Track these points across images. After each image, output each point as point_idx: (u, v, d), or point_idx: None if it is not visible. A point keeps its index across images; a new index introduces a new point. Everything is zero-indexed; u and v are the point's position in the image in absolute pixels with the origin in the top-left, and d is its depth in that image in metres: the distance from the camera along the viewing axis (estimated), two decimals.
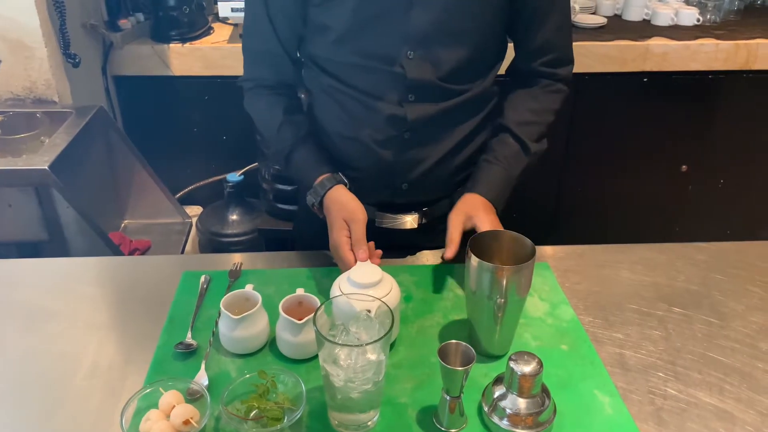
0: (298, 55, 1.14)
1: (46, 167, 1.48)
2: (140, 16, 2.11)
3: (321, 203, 1.06)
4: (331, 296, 0.89)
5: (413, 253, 1.16)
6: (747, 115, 2.18)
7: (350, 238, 0.99)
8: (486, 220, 1.01)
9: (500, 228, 0.99)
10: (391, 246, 1.08)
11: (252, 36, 1.12)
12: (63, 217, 1.56)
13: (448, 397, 0.79)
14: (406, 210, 1.16)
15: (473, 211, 1.03)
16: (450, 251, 1.00)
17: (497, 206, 1.07)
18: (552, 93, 1.13)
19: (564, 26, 1.11)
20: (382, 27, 1.01)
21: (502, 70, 1.14)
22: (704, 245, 1.20)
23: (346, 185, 1.07)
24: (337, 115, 1.11)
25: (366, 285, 0.89)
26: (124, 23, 2.02)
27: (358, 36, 1.03)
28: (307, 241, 1.24)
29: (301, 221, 1.35)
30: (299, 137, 1.11)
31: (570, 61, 1.14)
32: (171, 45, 2.02)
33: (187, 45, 2.04)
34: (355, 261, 0.96)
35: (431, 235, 1.16)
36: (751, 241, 1.21)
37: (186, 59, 2.05)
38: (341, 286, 0.90)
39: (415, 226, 1.16)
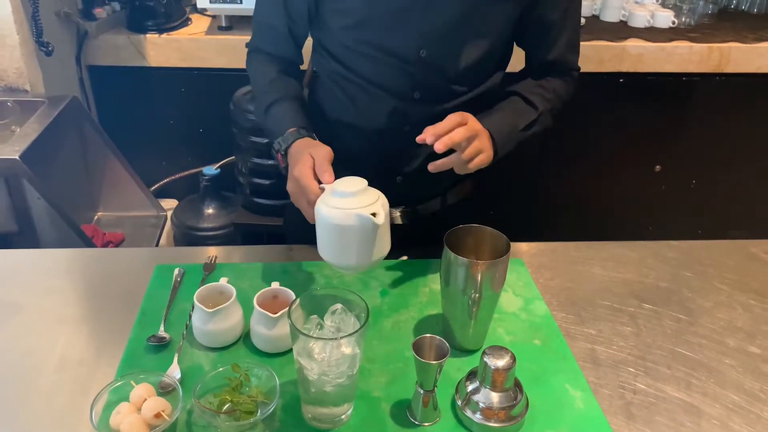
0: (309, 35, 1.14)
1: (17, 157, 1.45)
2: (116, 5, 2.07)
3: (287, 148, 1.01)
4: (319, 215, 0.86)
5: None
6: (719, 117, 2.23)
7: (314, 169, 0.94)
8: (478, 126, 0.96)
9: (487, 149, 0.97)
10: None
11: (262, 6, 1.13)
12: (34, 209, 1.52)
13: (422, 391, 0.79)
14: (396, 205, 1.15)
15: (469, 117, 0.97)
16: (426, 134, 0.91)
17: (496, 143, 1.02)
18: (559, 78, 1.14)
19: (575, 43, 1.12)
20: (401, 22, 1.01)
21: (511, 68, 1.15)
22: (675, 243, 1.22)
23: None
24: (339, 102, 1.11)
25: (352, 193, 0.86)
26: (100, 12, 1.98)
27: (374, 27, 1.02)
28: (298, 234, 1.22)
29: (291, 215, 1.32)
30: (286, 95, 1.10)
31: (577, 69, 1.16)
32: (147, 35, 1.99)
33: (163, 35, 2.01)
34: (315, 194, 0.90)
35: (416, 236, 1.15)
36: (720, 240, 1.24)
37: (162, 50, 2.02)
38: (326, 200, 0.87)
39: (400, 222, 1.16)
